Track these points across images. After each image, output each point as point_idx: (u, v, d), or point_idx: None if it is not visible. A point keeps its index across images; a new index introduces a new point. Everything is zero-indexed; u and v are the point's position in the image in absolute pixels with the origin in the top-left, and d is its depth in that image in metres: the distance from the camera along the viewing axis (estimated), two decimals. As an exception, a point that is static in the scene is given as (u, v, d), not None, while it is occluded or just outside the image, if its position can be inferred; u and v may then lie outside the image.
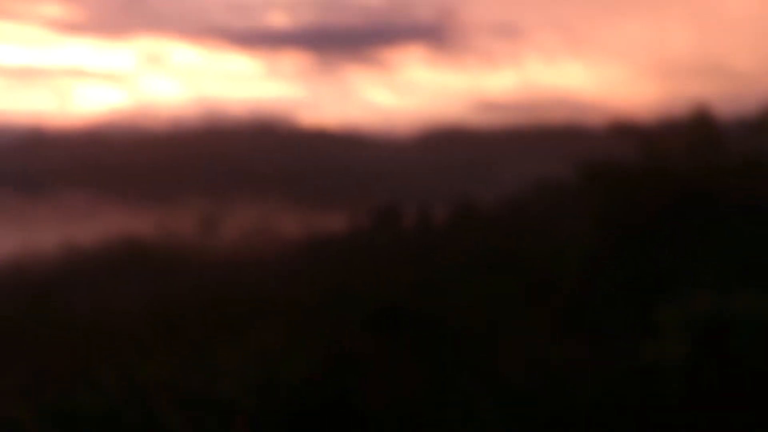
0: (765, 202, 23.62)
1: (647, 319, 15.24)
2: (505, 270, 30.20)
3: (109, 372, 16.57)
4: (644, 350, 14.26)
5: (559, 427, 14.47)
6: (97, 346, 19.19)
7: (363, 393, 16.01)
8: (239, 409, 14.97)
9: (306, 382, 15.41)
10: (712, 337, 13.35)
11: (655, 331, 14.50)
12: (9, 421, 13.82)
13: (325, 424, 15.25)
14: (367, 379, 16.55)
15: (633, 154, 24.70)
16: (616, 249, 22.90)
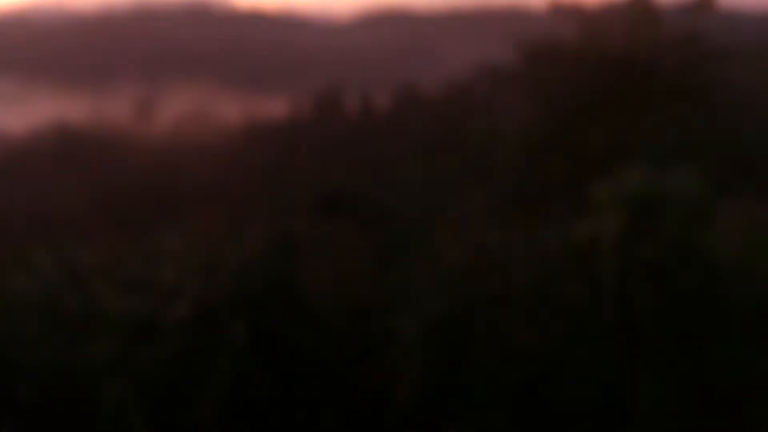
0: (700, 81, 24.00)
1: (584, 198, 15.55)
2: (448, 153, 30.37)
3: (46, 257, 16.34)
4: (580, 228, 14.57)
5: (499, 305, 14.89)
6: (34, 232, 18.79)
7: (306, 275, 16.16)
8: (181, 292, 14.96)
9: (248, 265, 15.44)
10: (646, 213, 13.69)
11: (590, 209, 14.81)
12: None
13: (269, 306, 15.40)
14: (309, 261, 16.67)
15: (573, 35, 24.52)
16: (556, 130, 23.12)
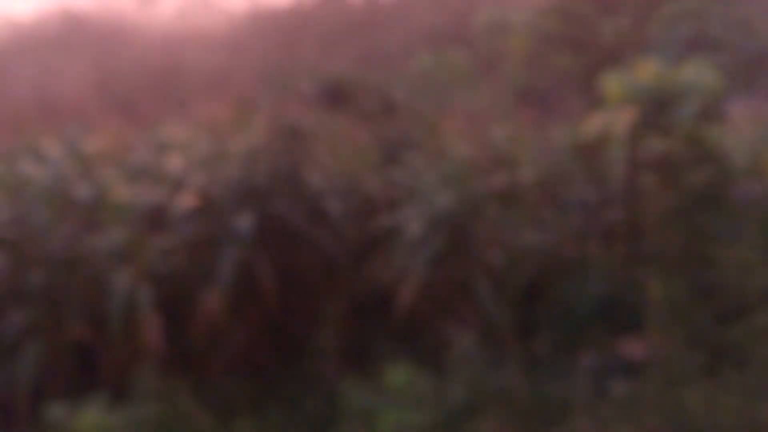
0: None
1: (594, 92, 14.93)
2: (456, 44, 29.38)
3: (54, 145, 15.97)
4: (589, 123, 14.04)
5: (504, 200, 14.59)
6: (41, 119, 18.35)
7: (311, 166, 15.80)
8: (188, 182, 14.65)
9: (254, 155, 15.08)
10: (658, 107, 13.12)
11: (601, 103, 14.22)
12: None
13: (274, 196, 15.13)
14: (314, 152, 16.30)
15: None
16: (567, 21, 22.04)
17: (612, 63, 18.37)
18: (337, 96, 20.01)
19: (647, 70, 13.59)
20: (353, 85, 20.13)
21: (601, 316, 12.28)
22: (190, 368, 13.44)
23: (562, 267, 14.04)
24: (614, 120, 13.15)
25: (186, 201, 14.07)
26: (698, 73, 13.22)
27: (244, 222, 14.11)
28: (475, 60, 29.62)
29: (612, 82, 13.54)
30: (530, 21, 24.24)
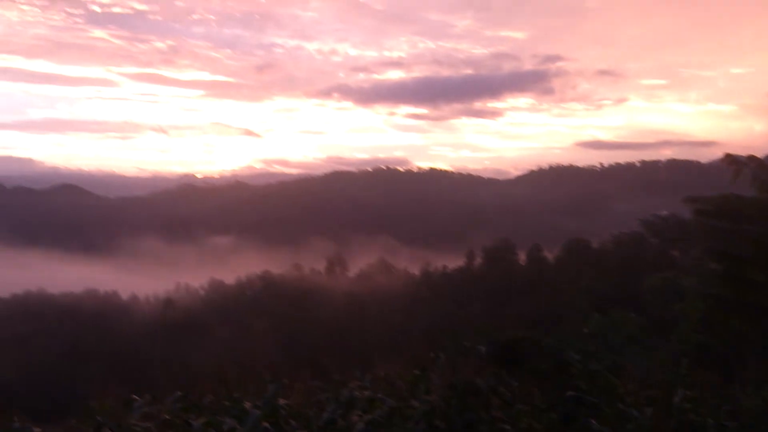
0: None
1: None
2: (623, 305, 28.78)
3: (253, 400, 16.60)
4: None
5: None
6: (241, 373, 19.31)
7: (486, 423, 15.38)
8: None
9: (431, 413, 14.96)
10: None
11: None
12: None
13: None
14: (490, 411, 15.92)
15: (745, 187, 22.34)
16: (739, 287, 21.07)
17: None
18: (510, 354, 19.76)
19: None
20: (525, 343, 19.87)
21: None
22: None
23: None
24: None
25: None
26: None
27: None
28: (647, 321, 28.59)
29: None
30: (699, 287, 23.31)
